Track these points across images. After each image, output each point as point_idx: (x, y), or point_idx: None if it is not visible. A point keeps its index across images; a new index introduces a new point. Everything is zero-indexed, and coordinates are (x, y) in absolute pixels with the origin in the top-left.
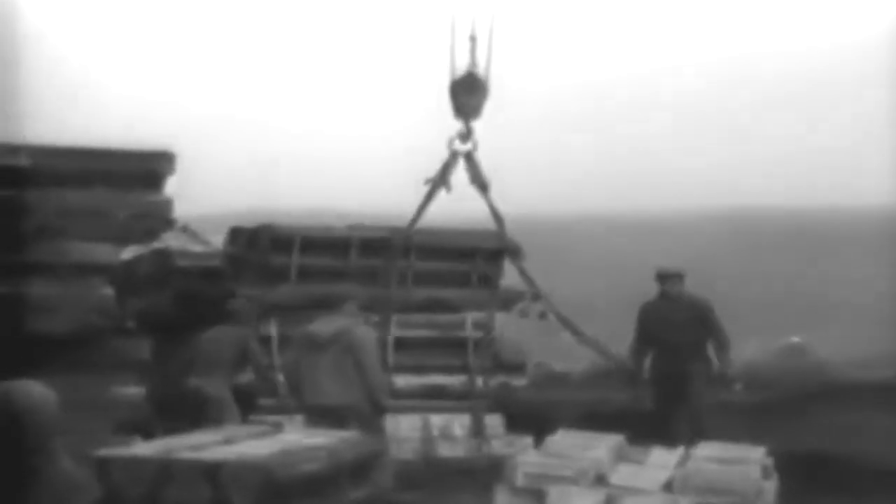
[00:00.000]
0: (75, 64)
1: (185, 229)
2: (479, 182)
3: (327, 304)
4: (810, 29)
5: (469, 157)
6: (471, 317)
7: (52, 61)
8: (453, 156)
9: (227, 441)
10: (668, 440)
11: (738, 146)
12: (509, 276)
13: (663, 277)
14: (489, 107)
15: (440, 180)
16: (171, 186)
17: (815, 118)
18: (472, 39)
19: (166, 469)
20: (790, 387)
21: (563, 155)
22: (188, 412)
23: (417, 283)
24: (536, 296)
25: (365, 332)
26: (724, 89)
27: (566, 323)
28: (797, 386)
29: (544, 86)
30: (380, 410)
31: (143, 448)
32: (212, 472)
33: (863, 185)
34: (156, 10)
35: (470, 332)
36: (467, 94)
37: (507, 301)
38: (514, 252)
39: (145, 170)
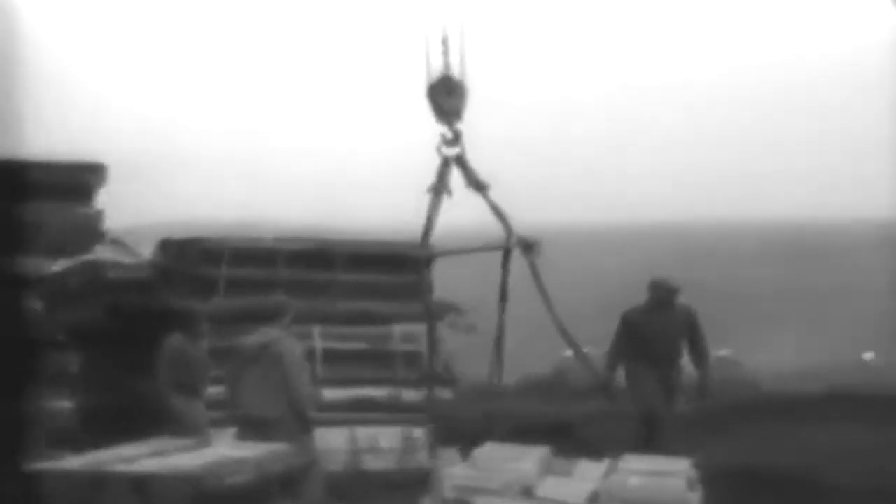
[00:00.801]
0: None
1: (116, 241)
2: (476, 184)
3: (259, 317)
4: (808, 41)
5: (460, 161)
6: (399, 329)
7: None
8: (445, 161)
9: (157, 454)
10: (646, 447)
11: (729, 158)
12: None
13: (658, 289)
14: (477, 119)
15: (439, 187)
16: (102, 198)
17: (812, 130)
18: (445, 42)
19: (96, 482)
20: (720, 399)
21: (549, 168)
22: (125, 424)
23: (344, 294)
24: (460, 309)
25: (291, 344)
26: (718, 104)
27: (562, 331)
28: (727, 398)
29: (527, 97)
30: (305, 423)
31: (72, 461)
32: (141, 485)
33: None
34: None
35: (397, 345)
36: (445, 96)
37: (436, 313)
38: (527, 247)
39: (76, 182)
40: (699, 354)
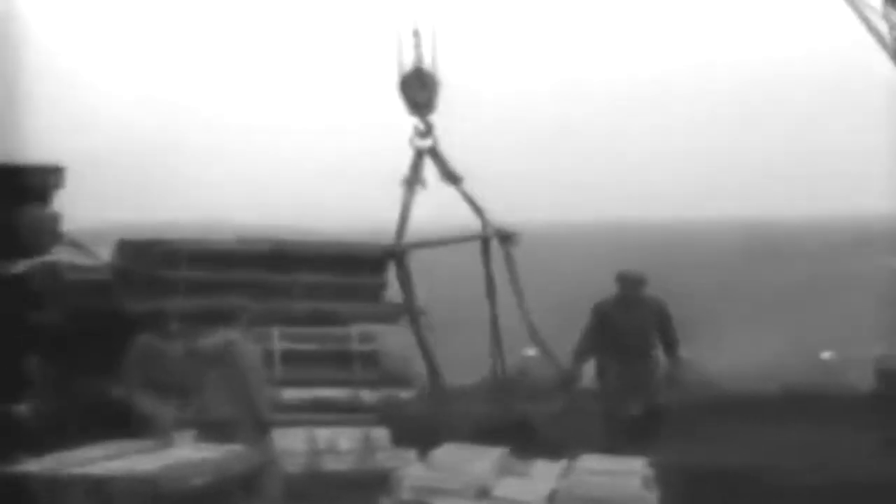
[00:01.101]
0: None
1: (74, 243)
2: (450, 176)
3: (218, 318)
4: (801, 34)
5: (434, 153)
6: (356, 330)
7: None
8: (418, 153)
9: (115, 456)
10: (611, 443)
11: (703, 156)
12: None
13: (625, 281)
14: (456, 116)
15: (413, 179)
16: (61, 200)
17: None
18: (416, 35)
19: (54, 485)
20: (675, 399)
21: (530, 164)
22: (86, 426)
23: (303, 295)
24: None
25: (248, 347)
26: (698, 101)
27: (529, 325)
28: (683, 398)
29: (512, 91)
30: (263, 425)
31: (31, 465)
32: (99, 488)
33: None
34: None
35: (356, 346)
36: (417, 89)
37: (394, 313)
38: (504, 238)
39: (34, 184)
40: (670, 345)
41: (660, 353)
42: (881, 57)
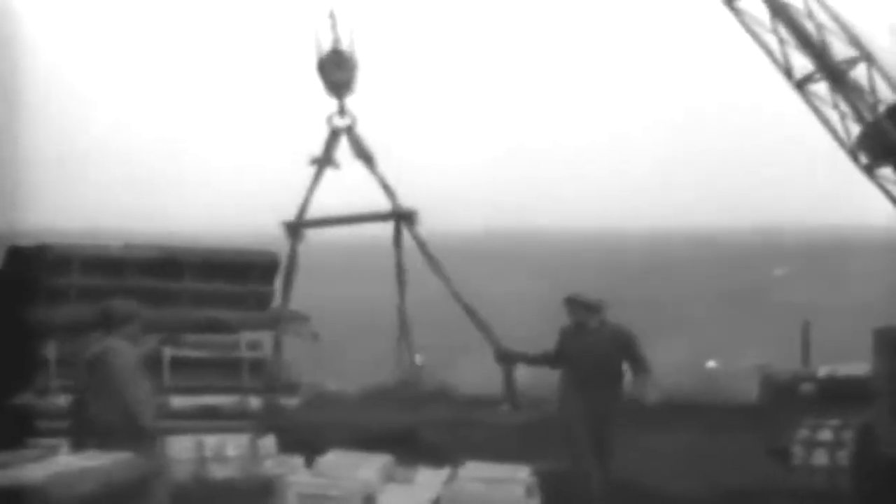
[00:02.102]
0: None
1: None
2: (363, 155)
3: (104, 324)
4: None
5: (350, 132)
6: (244, 337)
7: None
8: (333, 133)
9: (3, 465)
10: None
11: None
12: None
13: (574, 306)
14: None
15: (325, 159)
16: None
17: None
18: (332, 16)
19: None
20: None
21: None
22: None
23: (192, 302)
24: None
25: (122, 352)
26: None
27: (456, 297)
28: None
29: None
30: (142, 431)
31: None
32: None
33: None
34: None
35: (244, 353)
36: (336, 69)
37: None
38: (408, 217)
39: None
40: (640, 378)
41: (623, 386)
42: None
